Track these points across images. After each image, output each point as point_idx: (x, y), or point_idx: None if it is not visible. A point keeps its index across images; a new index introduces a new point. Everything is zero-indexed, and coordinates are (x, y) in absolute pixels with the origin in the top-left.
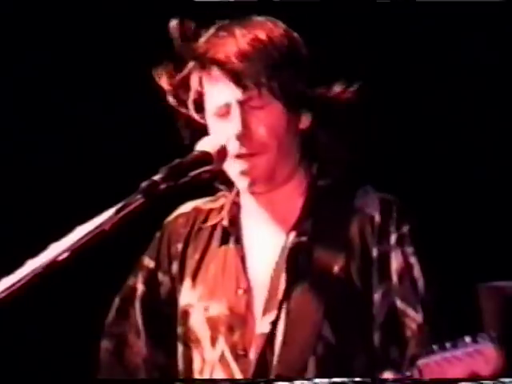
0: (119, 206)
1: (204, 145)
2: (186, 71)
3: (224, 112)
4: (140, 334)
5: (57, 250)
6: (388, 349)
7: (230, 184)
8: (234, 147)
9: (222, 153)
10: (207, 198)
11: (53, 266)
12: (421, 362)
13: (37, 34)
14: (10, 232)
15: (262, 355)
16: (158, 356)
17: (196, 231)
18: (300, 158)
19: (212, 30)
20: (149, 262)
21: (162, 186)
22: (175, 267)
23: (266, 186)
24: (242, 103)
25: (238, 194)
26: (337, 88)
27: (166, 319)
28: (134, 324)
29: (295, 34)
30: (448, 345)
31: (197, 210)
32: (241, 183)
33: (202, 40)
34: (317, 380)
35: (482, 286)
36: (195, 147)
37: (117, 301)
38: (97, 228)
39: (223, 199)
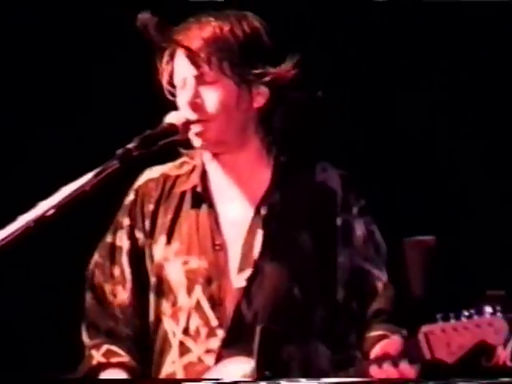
0: (98, 170)
1: (171, 118)
2: (164, 56)
3: (183, 84)
4: (127, 284)
5: (45, 207)
6: (350, 304)
7: (192, 149)
8: (183, 116)
9: (187, 125)
10: (171, 164)
11: (41, 220)
12: (425, 327)
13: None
14: (3, 192)
15: (237, 307)
16: (140, 304)
17: (166, 195)
18: (258, 133)
19: (188, 20)
20: (126, 221)
21: (135, 153)
22: (148, 225)
23: (217, 148)
24: (196, 77)
25: (203, 162)
26: (284, 66)
27: (144, 272)
28: (122, 276)
29: (260, 26)
30: (451, 315)
31: (165, 175)
32: (196, 142)
33: (177, 28)
34: (323, 380)
35: (407, 241)
36: (163, 121)
37: (97, 257)
38: (79, 188)
39: (187, 166)
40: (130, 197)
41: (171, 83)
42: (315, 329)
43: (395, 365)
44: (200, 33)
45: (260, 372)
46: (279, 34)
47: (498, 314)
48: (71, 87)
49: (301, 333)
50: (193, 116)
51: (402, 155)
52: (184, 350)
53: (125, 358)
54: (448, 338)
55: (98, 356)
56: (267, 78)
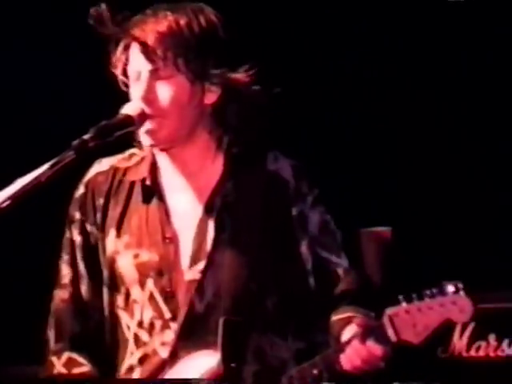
0: (54, 161)
1: (127, 108)
2: (118, 47)
3: (137, 78)
4: (83, 279)
5: (0, 198)
6: (315, 291)
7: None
8: (139, 107)
9: (142, 116)
10: (119, 156)
11: None
12: (389, 310)
13: None
14: None
15: (190, 300)
16: (98, 300)
17: (116, 188)
18: (207, 127)
19: (145, 12)
20: (77, 215)
21: (91, 144)
22: (99, 218)
23: (166, 145)
24: (150, 72)
25: (153, 154)
26: (241, 71)
27: (98, 265)
28: (81, 271)
29: (217, 20)
30: (414, 296)
31: (114, 168)
32: (145, 141)
33: (133, 20)
34: None
35: (363, 231)
36: (119, 111)
37: (65, 255)
38: (34, 180)
39: (136, 158)
40: (80, 190)
41: (125, 74)
42: (271, 319)
43: (362, 342)
44: (156, 27)
45: (226, 364)
46: (236, 28)
47: (461, 293)
48: (26, 77)
49: (258, 323)
50: (145, 110)
51: (358, 146)
52: (139, 342)
53: (86, 367)
54: (413, 319)
55: (58, 365)
56: (223, 81)
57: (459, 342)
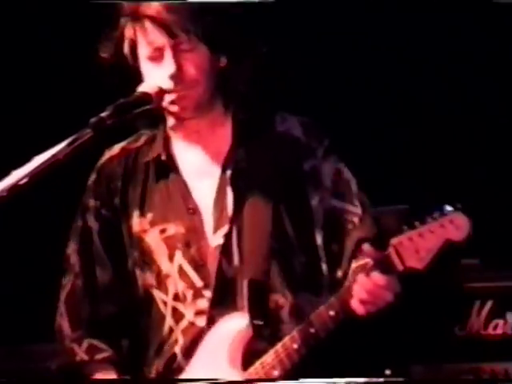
0: (71, 138)
1: (145, 86)
2: (120, 27)
3: (157, 56)
4: (105, 264)
5: (18, 175)
6: (330, 246)
7: (153, 123)
8: (169, 85)
9: (160, 93)
10: (129, 139)
11: (15, 189)
12: (394, 240)
13: None
14: None
15: (219, 265)
16: (121, 283)
17: (131, 169)
18: (218, 95)
19: None
20: (92, 202)
21: (108, 122)
22: (117, 202)
23: (194, 113)
24: (173, 48)
25: (165, 130)
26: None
27: (121, 248)
28: (99, 258)
29: None
30: (417, 223)
31: (125, 150)
32: (172, 108)
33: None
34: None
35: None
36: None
37: (71, 242)
38: (52, 157)
39: (145, 136)
40: (93, 177)
41: (133, 53)
42: (302, 278)
43: (367, 274)
44: (166, 3)
45: (254, 325)
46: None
47: (458, 211)
48: (43, 57)
49: (290, 283)
50: (173, 87)
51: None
52: (178, 315)
53: (108, 352)
54: (415, 245)
55: (80, 353)
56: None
57: (477, 320)
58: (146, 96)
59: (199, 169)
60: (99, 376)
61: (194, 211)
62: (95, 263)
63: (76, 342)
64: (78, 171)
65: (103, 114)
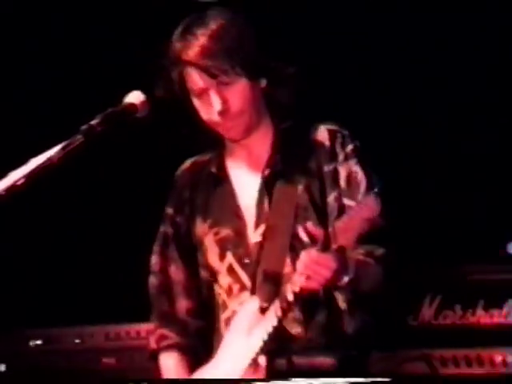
0: (64, 143)
1: (130, 97)
2: (167, 69)
3: (201, 93)
4: (179, 265)
5: (15, 176)
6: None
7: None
8: (219, 120)
9: (144, 104)
10: (199, 155)
11: (12, 189)
12: (336, 225)
13: None
14: None
15: (257, 260)
16: (193, 280)
17: (197, 180)
18: (264, 110)
19: (178, 32)
20: (169, 210)
21: (98, 129)
22: (187, 209)
23: (243, 135)
24: (215, 87)
25: (222, 146)
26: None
27: (192, 250)
28: (174, 259)
29: (242, 18)
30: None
31: (195, 163)
32: (227, 135)
33: (173, 43)
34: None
35: None
36: (124, 100)
37: (156, 247)
38: (47, 160)
39: (210, 153)
40: (173, 187)
41: (182, 91)
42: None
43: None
44: (202, 46)
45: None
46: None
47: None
48: (43, 65)
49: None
50: (223, 121)
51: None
52: (225, 306)
53: (172, 340)
54: (345, 226)
55: (152, 343)
56: (270, 72)
57: (428, 310)
58: (131, 106)
59: (246, 177)
60: (164, 362)
61: (240, 217)
62: (168, 263)
63: (151, 333)
64: (69, 173)
65: (93, 122)
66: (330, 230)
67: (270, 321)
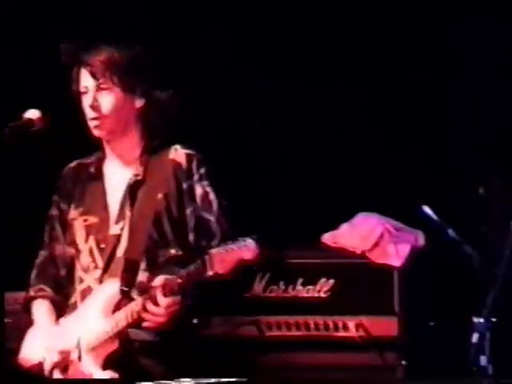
0: None
1: (28, 114)
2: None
3: (85, 92)
4: (61, 241)
5: None
6: (200, 242)
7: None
8: (90, 114)
9: (41, 120)
10: (84, 158)
11: None
12: (213, 252)
13: None
14: None
15: (113, 249)
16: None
17: (79, 176)
18: (137, 126)
19: (91, 45)
20: (55, 197)
21: (8, 138)
22: (68, 198)
23: (109, 136)
24: (95, 86)
25: (103, 150)
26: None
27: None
28: (58, 236)
29: (141, 51)
30: (229, 242)
31: (79, 163)
32: (95, 132)
33: (82, 51)
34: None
35: None
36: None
37: (46, 226)
38: None
39: (93, 157)
40: (60, 179)
41: (78, 89)
42: (175, 260)
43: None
44: (98, 56)
45: (122, 291)
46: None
47: (251, 240)
48: None
49: (162, 264)
50: (92, 114)
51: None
52: (81, 280)
53: (49, 292)
54: (222, 257)
55: (32, 292)
56: (146, 94)
57: (258, 285)
58: (29, 121)
59: (117, 178)
60: (37, 307)
61: (105, 208)
62: (53, 240)
63: (32, 287)
64: None
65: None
66: (207, 257)
67: (124, 318)
